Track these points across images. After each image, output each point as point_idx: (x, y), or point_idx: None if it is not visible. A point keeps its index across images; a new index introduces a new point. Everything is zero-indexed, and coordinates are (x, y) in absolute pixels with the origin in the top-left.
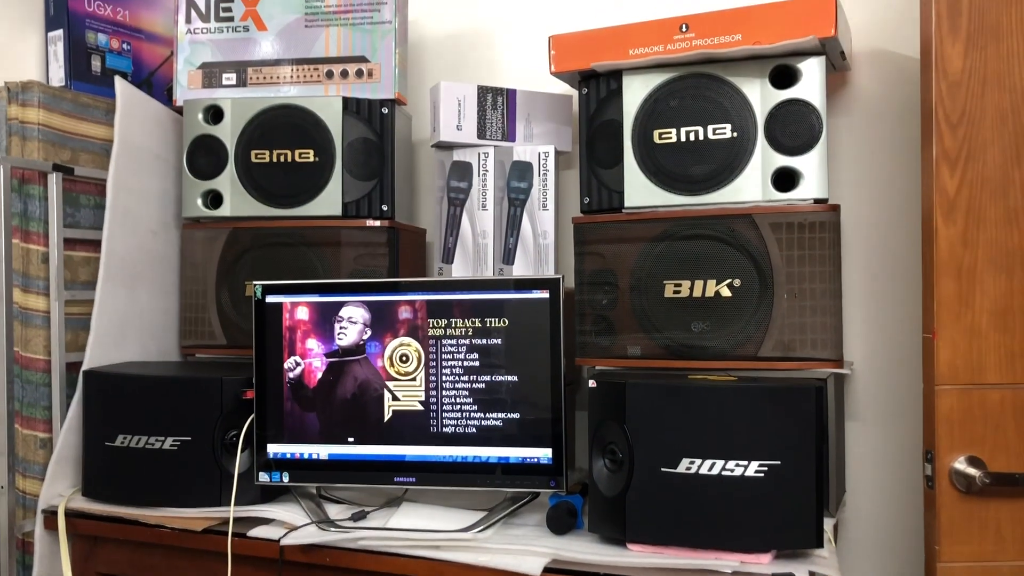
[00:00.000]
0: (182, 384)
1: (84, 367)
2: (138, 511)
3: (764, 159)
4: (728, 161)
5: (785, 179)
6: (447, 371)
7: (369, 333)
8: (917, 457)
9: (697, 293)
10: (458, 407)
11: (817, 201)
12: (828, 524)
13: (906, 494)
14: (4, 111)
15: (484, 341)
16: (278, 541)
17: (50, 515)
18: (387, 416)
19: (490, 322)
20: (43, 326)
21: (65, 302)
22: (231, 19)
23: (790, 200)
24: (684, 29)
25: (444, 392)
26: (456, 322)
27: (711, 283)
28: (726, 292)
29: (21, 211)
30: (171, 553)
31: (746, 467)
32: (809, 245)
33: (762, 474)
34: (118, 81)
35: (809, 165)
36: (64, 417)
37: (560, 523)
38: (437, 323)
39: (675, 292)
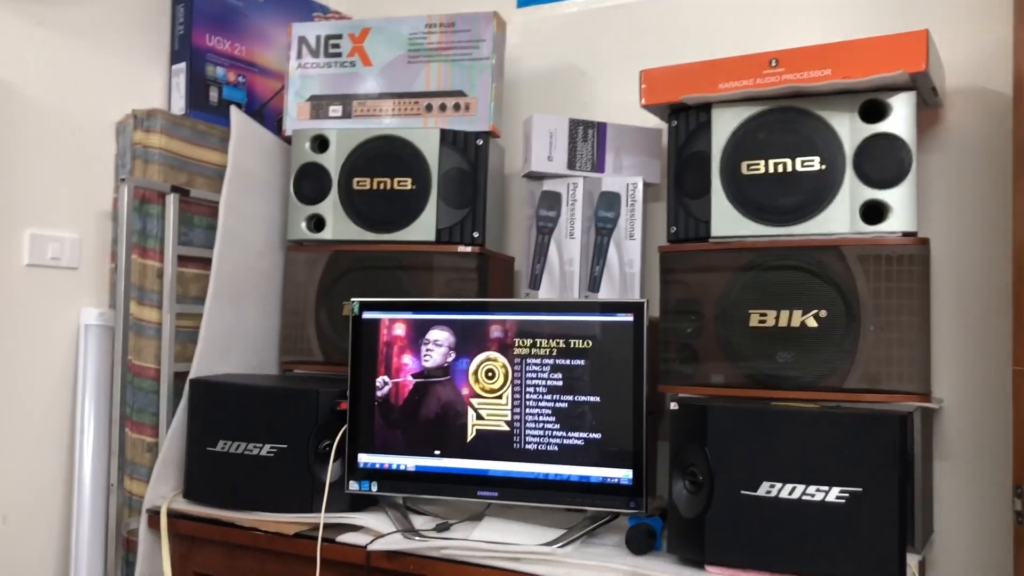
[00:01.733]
0: (281, 395)
1: (190, 376)
2: (234, 514)
3: (852, 192)
4: (816, 193)
5: (873, 212)
6: (531, 389)
7: (453, 356)
8: (1008, 497)
9: (783, 323)
10: (541, 425)
11: (906, 234)
12: (913, 560)
13: (998, 535)
14: (131, 136)
15: (568, 361)
16: (365, 547)
17: (153, 515)
18: (470, 436)
19: (574, 343)
20: (155, 337)
21: (176, 315)
22: (339, 55)
23: (878, 233)
24: (774, 64)
25: (527, 410)
26: (541, 342)
27: (797, 314)
28: (812, 323)
29: (140, 229)
30: (263, 556)
31: (827, 492)
32: (897, 278)
33: (843, 500)
34: (233, 111)
35: (898, 199)
36: (170, 423)
37: (639, 543)
38: (523, 342)
39: (760, 322)
